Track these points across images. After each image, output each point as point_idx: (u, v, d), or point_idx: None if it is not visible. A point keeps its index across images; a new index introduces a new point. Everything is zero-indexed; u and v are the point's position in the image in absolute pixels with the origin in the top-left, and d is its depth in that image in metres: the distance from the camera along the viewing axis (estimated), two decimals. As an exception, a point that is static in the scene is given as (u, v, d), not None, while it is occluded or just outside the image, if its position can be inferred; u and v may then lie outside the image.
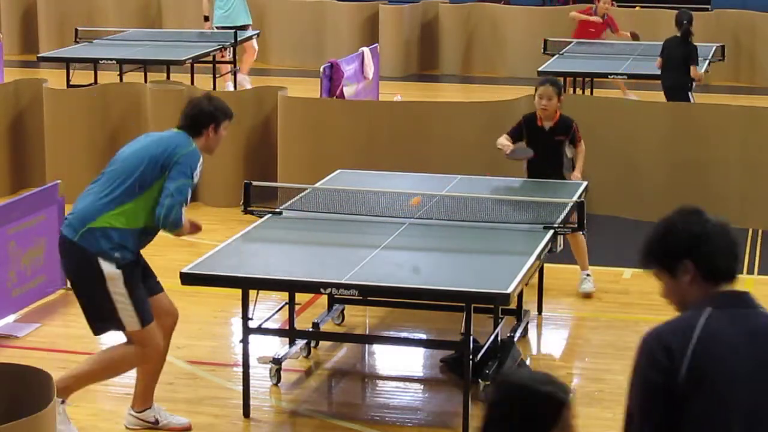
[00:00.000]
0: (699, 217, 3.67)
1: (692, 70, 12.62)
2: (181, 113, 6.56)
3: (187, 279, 6.65)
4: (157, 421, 6.61)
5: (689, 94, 12.67)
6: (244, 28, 15.93)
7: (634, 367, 3.53)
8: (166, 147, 6.31)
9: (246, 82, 15.86)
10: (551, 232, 7.36)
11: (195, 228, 6.52)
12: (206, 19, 16.38)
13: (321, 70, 12.90)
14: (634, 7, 19.10)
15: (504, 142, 8.97)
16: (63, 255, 6.40)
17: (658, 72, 14.36)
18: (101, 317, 6.31)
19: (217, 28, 15.92)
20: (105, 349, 6.67)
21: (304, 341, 7.68)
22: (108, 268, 6.19)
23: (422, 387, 7.54)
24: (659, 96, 14.03)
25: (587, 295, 8.91)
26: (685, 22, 12.93)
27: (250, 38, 16.02)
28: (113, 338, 6.70)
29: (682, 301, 3.67)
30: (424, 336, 8.20)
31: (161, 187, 6.23)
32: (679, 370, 3.44)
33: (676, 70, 12.72)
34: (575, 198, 7.94)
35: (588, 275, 9.06)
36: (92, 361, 6.54)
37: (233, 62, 15.82)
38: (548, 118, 8.95)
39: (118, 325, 6.31)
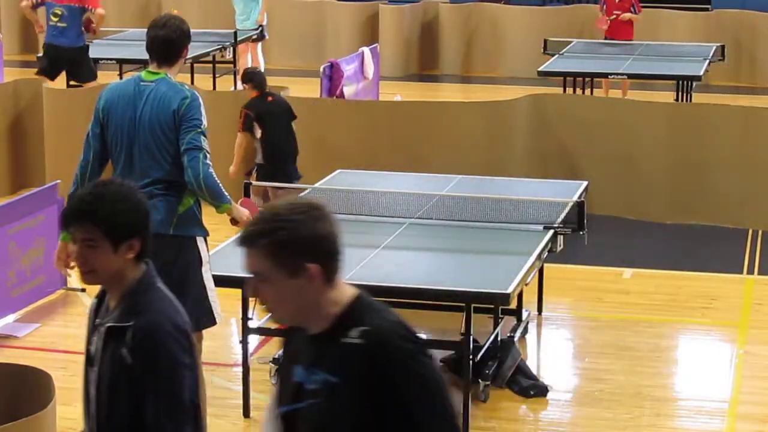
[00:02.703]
0: None
1: None
2: (153, 40, 6.08)
3: (187, 279, 6.64)
4: None
5: None
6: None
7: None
8: (173, 111, 5.96)
9: None
10: (551, 232, 7.36)
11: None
12: None
13: (321, 70, 12.90)
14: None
15: None
16: (152, 253, 6.03)
17: (657, 72, 14.39)
18: (199, 310, 6.03)
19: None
20: None
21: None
22: (204, 250, 6.06)
23: (422, 387, 7.52)
24: (659, 96, 14.04)
25: None
26: None
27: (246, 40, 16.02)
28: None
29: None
30: (424, 336, 8.20)
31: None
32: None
33: None
34: (575, 198, 7.93)
35: None
36: None
37: (233, 62, 15.81)
38: None
39: (208, 320, 6.10)
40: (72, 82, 13.36)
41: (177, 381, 3.55)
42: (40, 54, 13.30)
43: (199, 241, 6.09)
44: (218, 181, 6.03)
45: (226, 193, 6.14)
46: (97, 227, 3.58)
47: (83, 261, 3.61)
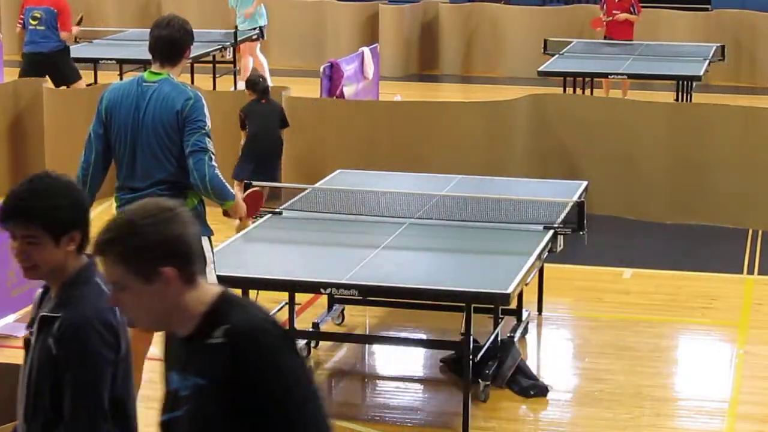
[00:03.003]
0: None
1: None
2: (156, 40, 6.06)
3: (187, 279, 6.63)
4: None
5: None
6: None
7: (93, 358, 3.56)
8: (176, 112, 5.94)
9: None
10: (551, 232, 7.36)
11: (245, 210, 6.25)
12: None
13: (321, 70, 12.90)
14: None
15: None
16: None
17: (657, 72, 14.38)
18: None
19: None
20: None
21: (304, 341, 7.67)
22: (208, 250, 6.00)
23: (422, 387, 7.54)
24: (659, 96, 14.03)
25: None
26: None
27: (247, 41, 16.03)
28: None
29: None
30: (424, 336, 8.20)
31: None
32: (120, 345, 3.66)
33: None
34: (575, 198, 7.93)
35: None
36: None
37: (233, 62, 15.81)
38: None
39: None
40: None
41: (97, 376, 3.55)
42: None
43: (204, 240, 6.05)
44: (224, 181, 6.04)
45: (231, 191, 6.17)
46: (35, 223, 3.57)
47: (25, 257, 3.62)
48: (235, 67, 15.88)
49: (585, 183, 8.64)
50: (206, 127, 5.97)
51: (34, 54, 13.00)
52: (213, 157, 5.97)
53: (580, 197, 8.01)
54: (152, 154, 5.98)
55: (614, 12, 15.64)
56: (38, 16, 13.10)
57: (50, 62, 12.83)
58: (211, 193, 6.00)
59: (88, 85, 13.10)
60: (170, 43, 6.09)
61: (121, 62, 14.35)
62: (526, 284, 7.00)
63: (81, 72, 14.17)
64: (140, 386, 6.33)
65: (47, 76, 12.59)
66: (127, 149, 6.04)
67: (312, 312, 8.37)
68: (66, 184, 3.67)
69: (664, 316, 8.64)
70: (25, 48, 13.19)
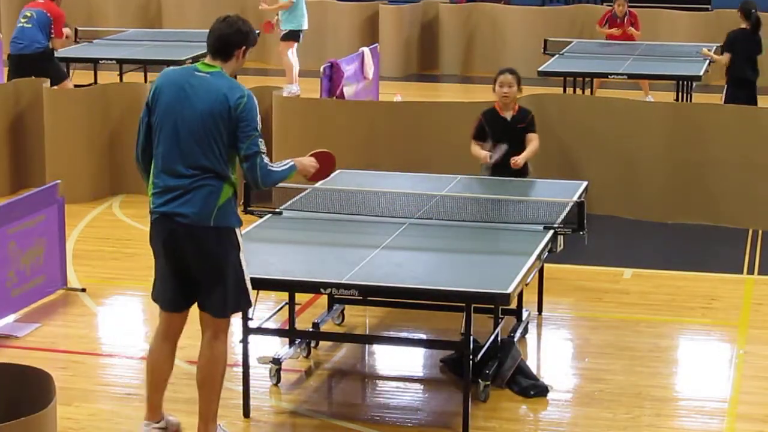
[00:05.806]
0: None
1: None
2: (210, 33, 6.32)
3: (187, 279, 6.63)
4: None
5: None
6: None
7: None
8: (228, 106, 6.06)
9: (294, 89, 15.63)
10: (551, 232, 7.36)
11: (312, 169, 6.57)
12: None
13: (321, 70, 12.91)
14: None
15: (482, 152, 8.96)
16: (195, 243, 6.11)
17: (657, 72, 14.38)
18: (238, 292, 6.20)
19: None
20: (201, 364, 6.34)
21: (304, 341, 7.68)
22: (240, 238, 6.20)
23: (422, 387, 7.54)
24: (659, 96, 14.03)
25: None
26: (753, 11, 12.80)
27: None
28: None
29: None
30: (424, 336, 8.20)
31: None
32: None
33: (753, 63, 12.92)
34: (575, 198, 7.94)
35: None
36: (203, 384, 6.31)
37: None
38: (509, 107, 9.10)
39: (245, 301, 6.25)
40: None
41: None
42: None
43: (237, 230, 6.22)
44: (271, 170, 6.20)
45: (286, 166, 6.33)
46: None
47: None
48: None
49: (585, 183, 8.64)
50: (258, 128, 6.14)
51: (18, 56, 12.98)
52: (264, 156, 6.15)
53: (580, 197, 8.01)
54: (198, 142, 6.10)
55: (611, 31, 15.76)
56: (29, 15, 13.12)
57: (34, 65, 12.79)
58: (267, 188, 6.33)
59: (87, 85, 13.09)
60: (219, 38, 6.29)
61: (121, 62, 14.36)
62: (526, 284, 7.01)
63: (80, 72, 14.20)
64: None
65: (33, 78, 12.60)
66: (169, 132, 6.15)
67: (312, 312, 8.37)
68: None
69: (663, 316, 8.65)
70: (11, 48, 13.17)
